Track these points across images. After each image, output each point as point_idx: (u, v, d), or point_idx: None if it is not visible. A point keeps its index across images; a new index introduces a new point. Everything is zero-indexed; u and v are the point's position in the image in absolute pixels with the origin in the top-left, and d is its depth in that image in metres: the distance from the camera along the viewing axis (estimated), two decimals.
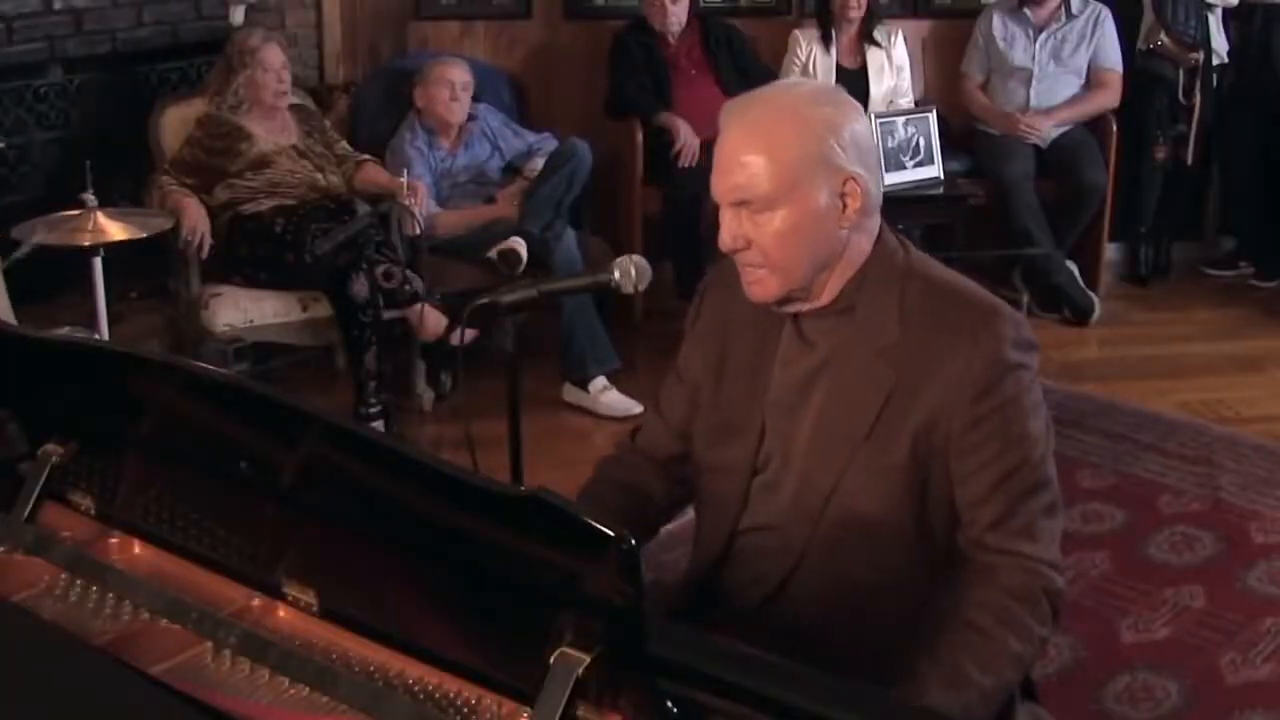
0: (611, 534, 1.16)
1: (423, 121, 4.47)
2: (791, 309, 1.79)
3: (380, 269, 3.86)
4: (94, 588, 1.55)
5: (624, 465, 2.00)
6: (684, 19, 4.88)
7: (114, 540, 1.65)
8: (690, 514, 2.02)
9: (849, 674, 1.46)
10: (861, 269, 1.76)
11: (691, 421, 1.92)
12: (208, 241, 3.91)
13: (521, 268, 4.06)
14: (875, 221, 1.77)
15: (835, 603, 1.75)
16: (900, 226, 4.50)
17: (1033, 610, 1.66)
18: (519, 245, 4.09)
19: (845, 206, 1.71)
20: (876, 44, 5.00)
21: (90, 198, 3.37)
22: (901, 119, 4.71)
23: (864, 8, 4.92)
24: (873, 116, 4.61)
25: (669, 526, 2.11)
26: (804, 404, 1.78)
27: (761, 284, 1.75)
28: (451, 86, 4.43)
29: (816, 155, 1.68)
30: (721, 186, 1.72)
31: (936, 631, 1.66)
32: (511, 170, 4.61)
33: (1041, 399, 1.74)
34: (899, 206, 4.57)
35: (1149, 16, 5.13)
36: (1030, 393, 1.70)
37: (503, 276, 3.96)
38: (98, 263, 3.42)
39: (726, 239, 1.74)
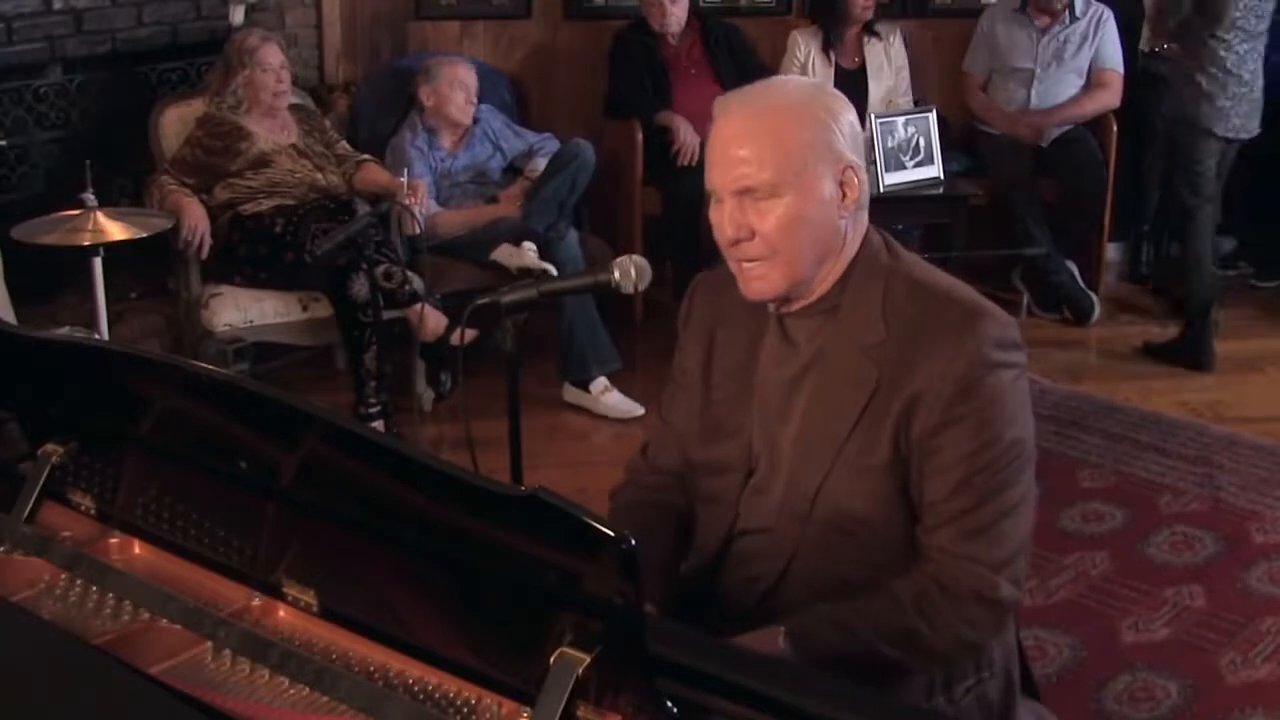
0: (611, 534, 1.16)
1: (425, 121, 4.47)
2: (787, 308, 1.77)
3: (380, 269, 3.87)
4: (94, 588, 1.55)
5: (644, 487, 1.95)
6: (684, 19, 4.89)
7: (114, 540, 1.65)
8: None
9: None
10: (848, 267, 1.75)
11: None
12: (208, 241, 3.91)
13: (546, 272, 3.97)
14: (865, 217, 1.77)
15: (828, 602, 1.74)
16: (900, 226, 4.55)
17: (957, 607, 1.65)
18: (533, 252, 4.06)
19: (845, 195, 1.71)
20: (876, 35, 5.00)
21: (90, 198, 3.37)
22: (901, 119, 4.71)
23: (873, 6, 4.93)
24: (872, 116, 4.61)
25: None
26: (790, 405, 1.77)
27: (764, 279, 1.72)
28: (467, 90, 4.43)
29: (820, 140, 1.68)
30: (724, 176, 1.69)
31: (863, 595, 1.68)
32: (512, 170, 4.61)
33: (1027, 398, 1.71)
34: (899, 206, 4.58)
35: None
36: (1012, 394, 1.67)
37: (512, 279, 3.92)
38: (98, 263, 3.42)
39: (729, 229, 1.69)
